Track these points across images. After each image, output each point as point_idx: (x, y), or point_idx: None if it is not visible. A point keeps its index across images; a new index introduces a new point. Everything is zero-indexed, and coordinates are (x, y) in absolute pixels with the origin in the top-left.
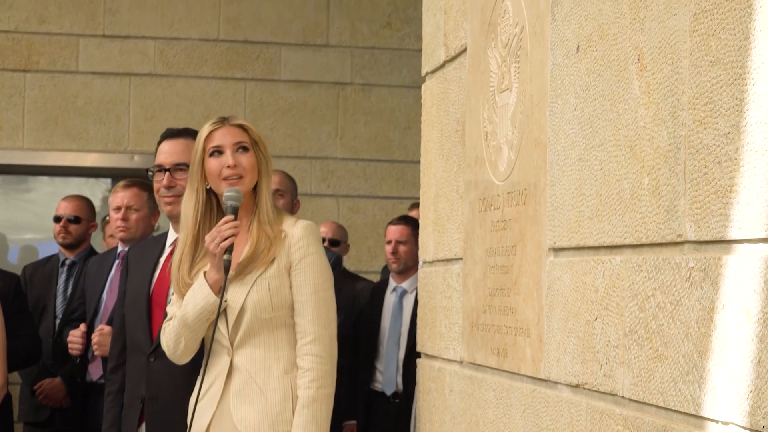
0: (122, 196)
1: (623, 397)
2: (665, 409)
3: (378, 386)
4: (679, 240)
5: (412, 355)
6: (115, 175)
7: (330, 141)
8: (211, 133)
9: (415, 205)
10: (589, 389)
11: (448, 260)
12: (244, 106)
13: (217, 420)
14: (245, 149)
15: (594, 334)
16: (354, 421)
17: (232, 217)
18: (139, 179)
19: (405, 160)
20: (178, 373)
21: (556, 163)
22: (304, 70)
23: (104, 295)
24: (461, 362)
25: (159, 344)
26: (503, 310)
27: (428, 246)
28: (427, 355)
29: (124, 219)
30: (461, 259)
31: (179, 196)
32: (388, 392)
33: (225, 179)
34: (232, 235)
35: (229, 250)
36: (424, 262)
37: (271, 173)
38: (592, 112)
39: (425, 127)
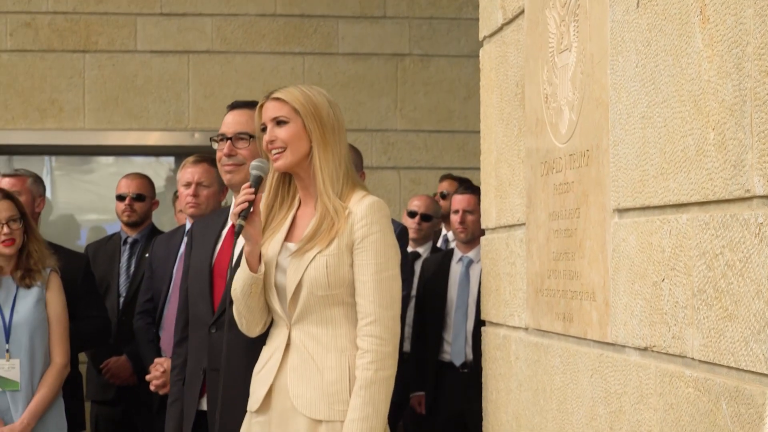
0: (192, 171)
1: (693, 358)
2: (736, 369)
3: (447, 357)
4: (747, 195)
5: (480, 325)
6: (176, 153)
7: (390, 113)
8: (259, 109)
9: (446, 176)
10: (657, 352)
11: (510, 226)
12: (303, 81)
13: (275, 393)
14: (283, 122)
15: (661, 295)
16: (422, 393)
17: (248, 184)
18: (207, 155)
19: (466, 131)
20: (239, 345)
21: (619, 122)
22: (362, 43)
23: (174, 272)
24: (526, 329)
25: (220, 316)
26: (568, 274)
27: (490, 212)
28: (492, 323)
29: (195, 195)
30: (524, 224)
31: (240, 165)
32: (457, 363)
33: (271, 155)
34: (245, 201)
35: (243, 215)
36: (487, 229)
37: (334, 142)
38: (654, 68)
39: (484, 92)
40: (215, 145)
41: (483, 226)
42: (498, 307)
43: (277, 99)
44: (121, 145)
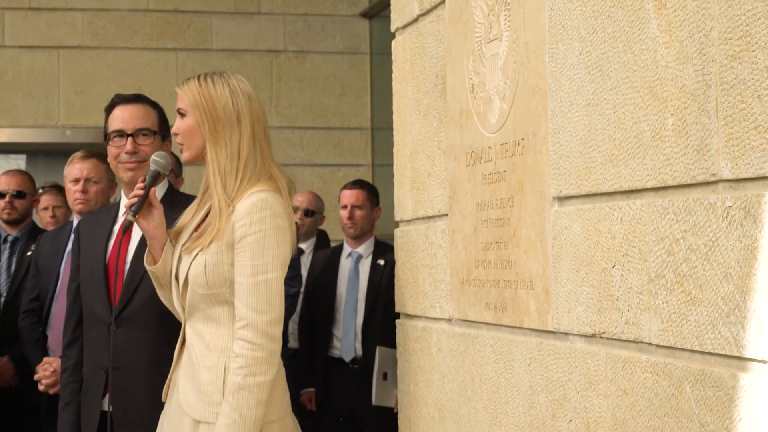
0: (80, 167)
1: (650, 343)
2: (701, 353)
3: (336, 353)
4: (712, 179)
5: (370, 320)
6: (48, 150)
7: (265, 110)
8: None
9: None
10: (607, 338)
11: (429, 217)
12: (177, 77)
13: (172, 388)
14: (182, 115)
15: (612, 281)
16: (312, 389)
17: (142, 178)
18: (96, 150)
19: (341, 127)
20: (141, 342)
21: (560, 110)
22: (237, 39)
23: (62, 269)
24: (450, 320)
25: (120, 313)
26: (500, 263)
27: (405, 204)
28: (408, 315)
29: (84, 191)
30: (446, 215)
31: (143, 161)
32: (347, 358)
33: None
34: (135, 196)
35: (134, 211)
36: (402, 221)
37: (228, 136)
38: (601, 55)
39: (397, 84)
40: (117, 142)
41: (397, 218)
42: (415, 299)
43: (179, 90)
44: None
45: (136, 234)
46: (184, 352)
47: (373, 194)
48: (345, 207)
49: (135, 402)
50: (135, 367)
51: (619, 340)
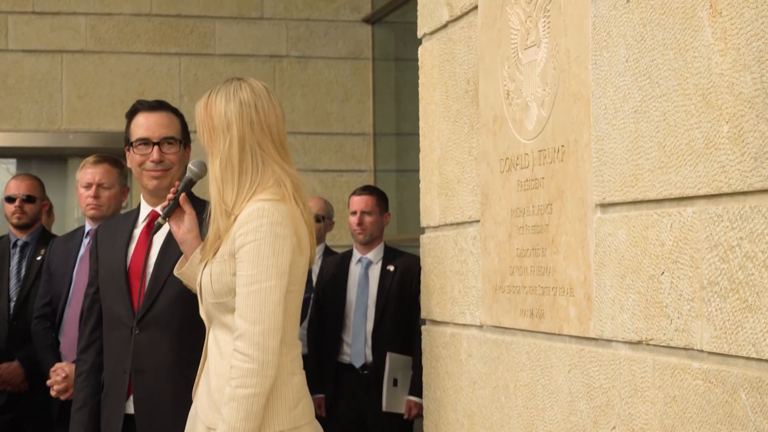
0: (93, 172)
1: (701, 350)
2: (758, 360)
3: (346, 359)
4: None
5: (380, 326)
6: (49, 154)
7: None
8: None
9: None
10: (654, 345)
11: (459, 224)
12: (179, 81)
13: (197, 393)
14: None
15: (660, 288)
16: (322, 395)
17: (177, 183)
18: (108, 155)
19: (343, 133)
20: (164, 345)
21: (603, 117)
22: (239, 44)
23: (74, 274)
24: (481, 326)
25: (143, 317)
26: (537, 270)
27: (433, 210)
28: (435, 322)
29: (96, 196)
30: (478, 221)
31: (168, 170)
32: (357, 364)
33: None
34: (169, 200)
35: (164, 214)
36: (429, 227)
37: (221, 144)
38: (650, 62)
39: (424, 90)
40: (142, 150)
41: (423, 224)
42: (443, 305)
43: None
44: None
45: (159, 238)
46: (207, 359)
47: (383, 200)
48: (354, 213)
49: (158, 405)
50: (158, 370)
51: (668, 347)
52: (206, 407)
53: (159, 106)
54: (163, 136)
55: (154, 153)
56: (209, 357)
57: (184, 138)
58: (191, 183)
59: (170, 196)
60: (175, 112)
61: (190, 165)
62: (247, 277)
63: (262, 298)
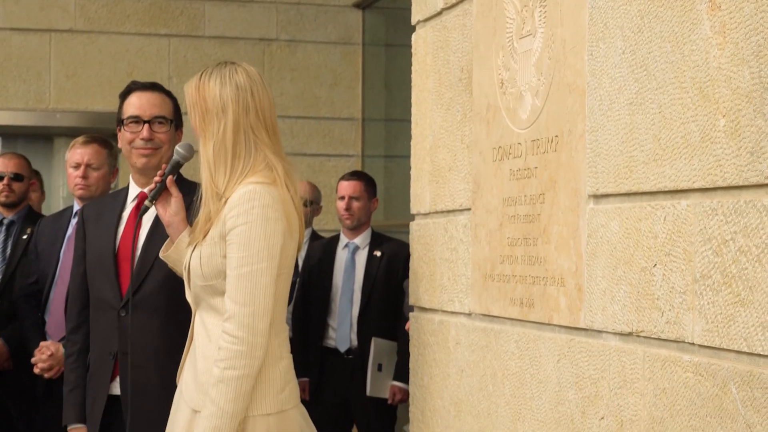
0: (81, 152)
1: (692, 343)
2: (749, 354)
3: (331, 343)
4: (766, 182)
5: (365, 311)
6: (35, 133)
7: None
8: None
9: None
10: (645, 337)
11: (450, 211)
12: (168, 63)
13: (182, 376)
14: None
15: (652, 281)
16: (306, 379)
17: (164, 165)
18: (98, 135)
19: (332, 117)
20: (150, 328)
21: (599, 108)
22: (229, 26)
23: (62, 254)
24: (469, 314)
25: (129, 299)
26: (528, 259)
27: (423, 197)
28: (423, 309)
29: (84, 176)
30: (469, 209)
31: (157, 148)
32: (342, 349)
33: None
34: (156, 183)
35: (151, 197)
36: (419, 214)
37: (214, 127)
38: (647, 54)
39: (417, 77)
40: (133, 128)
41: (413, 211)
42: (432, 292)
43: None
44: None
45: (147, 220)
46: (193, 341)
47: (371, 185)
48: (342, 198)
49: (145, 387)
50: (144, 353)
51: (659, 339)
52: (192, 390)
53: (152, 86)
54: (154, 115)
55: (144, 131)
56: (195, 339)
57: (175, 119)
58: (178, 165)
59: (157, 178)
60: (168, 93)
61: (177, 147)
62: (237, 259)
63: (252, 281)
